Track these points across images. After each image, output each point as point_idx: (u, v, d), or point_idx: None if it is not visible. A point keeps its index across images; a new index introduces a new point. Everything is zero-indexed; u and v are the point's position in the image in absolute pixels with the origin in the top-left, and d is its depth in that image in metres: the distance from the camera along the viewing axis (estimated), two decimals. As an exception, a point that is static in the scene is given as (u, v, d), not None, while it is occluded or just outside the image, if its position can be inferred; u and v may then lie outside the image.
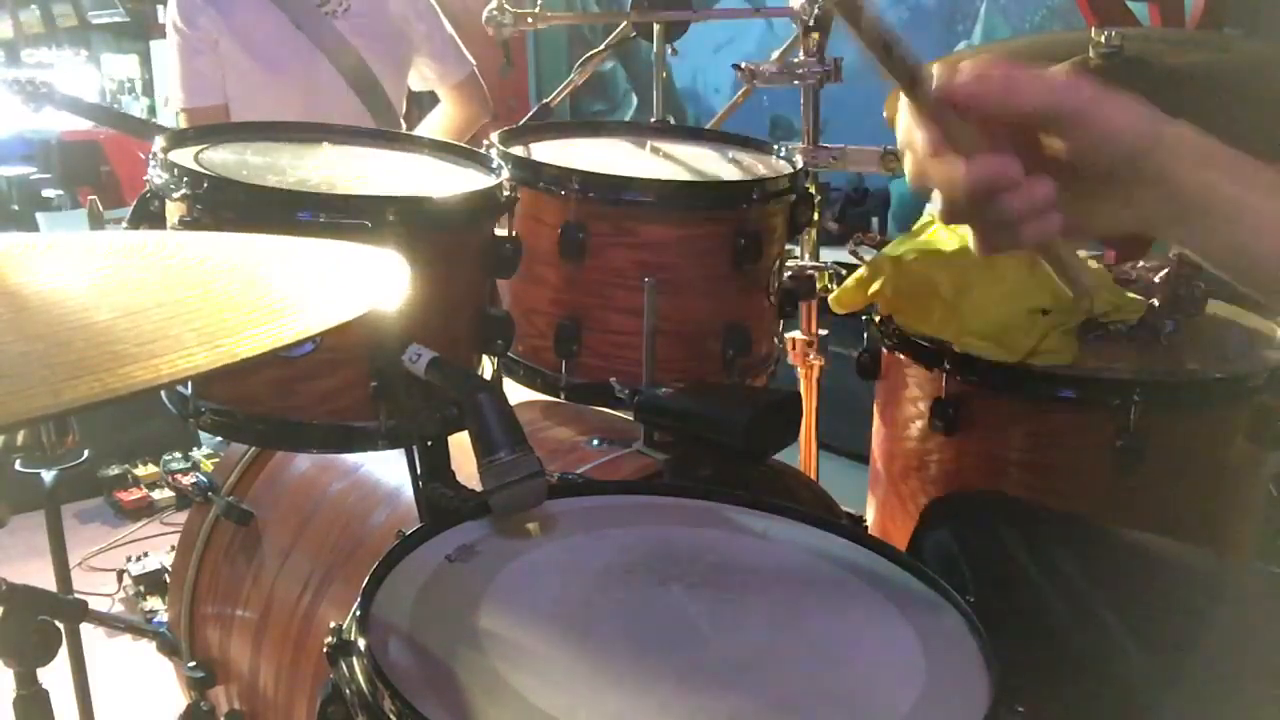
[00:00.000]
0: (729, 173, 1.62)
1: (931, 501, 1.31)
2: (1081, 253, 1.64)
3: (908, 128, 0.78)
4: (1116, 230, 0.79)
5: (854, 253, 1.75)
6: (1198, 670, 1.00)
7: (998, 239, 0.78)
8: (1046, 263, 0.83)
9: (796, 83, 1.83)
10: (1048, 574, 1.13)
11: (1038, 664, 0.84)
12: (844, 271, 1.73)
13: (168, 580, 2.15)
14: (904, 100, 0.77)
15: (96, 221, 3.01)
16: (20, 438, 1.72)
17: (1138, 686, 1.03)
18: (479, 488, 1.07)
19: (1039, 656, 0.85)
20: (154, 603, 2.82)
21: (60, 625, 1.12)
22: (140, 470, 3.52)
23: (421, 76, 2.72)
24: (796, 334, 1.88)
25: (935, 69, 0.76)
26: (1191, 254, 0.81)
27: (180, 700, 1.64)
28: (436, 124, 2.76)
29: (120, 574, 2.93)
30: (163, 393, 1.26)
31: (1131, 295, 1.59)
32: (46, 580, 1.54)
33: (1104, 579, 1.11)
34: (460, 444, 1.14)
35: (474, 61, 2.76)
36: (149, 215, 1.25)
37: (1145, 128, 0.77)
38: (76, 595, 1.46)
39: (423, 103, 2.85)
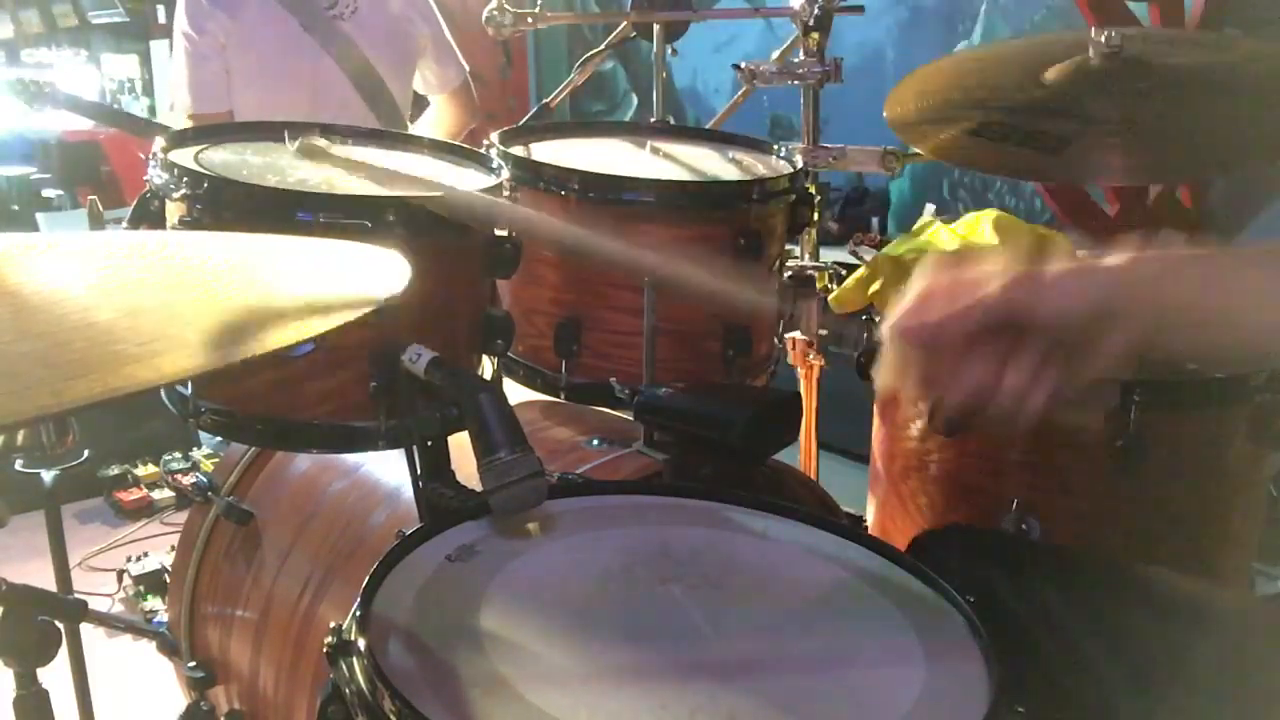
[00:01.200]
0: (729, 173, 1.62)
1: (916, 536, 1.32)
2: (1081, 252, 1.64)
3: (895, 371, 0.86)
4: (1111, 369, 0.83)
5: (854, 253, 1.75)
6: (1187, 703, 1.00)
7: (1009, 428, 0.84)
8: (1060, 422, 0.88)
9: (796, 83, 1.83)
10: (1034, 609, 1.13)
11: (1025, 699, 0.84)
12: (844, 271, 1.73)
13: (168, 580, 2.15)
14: (886, 350, 0.86)
15: (96, 221, 3.01)
16: (20, 438, 1.72)
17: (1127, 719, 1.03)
18: (479, 488, 1.07)
19: (1026, 692, 0.85)
20: (154, 603, 2.82)
21: (60, 625, 1.12)
22: (140, 470, 3.52)
23: (422, 79, 2.72)
24: (796, 334, 1.88)
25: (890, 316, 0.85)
26: (1196, 356, 0.87)
27: (180, 700, 1.64)
28: (427, 129, 2.76)
29: (120, 574, 2.93)
30: (163, 393, 1.26)
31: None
32: (46, 580, 1.54)
33: (1092, 613, 1.11)
34: (460, 444, 1.14)
35: (468, 67, 2.77)
36: (149, 215, 1.25)
37: (1096, 293, 0.81)
38: (76, 595, 1.46)
39: (423, 106, 2.86)
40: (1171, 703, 1.00)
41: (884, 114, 1.66)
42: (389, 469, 1.44)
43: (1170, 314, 0.81)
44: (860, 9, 1.93)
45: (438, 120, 2.78)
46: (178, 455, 3.57)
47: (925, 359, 0.84)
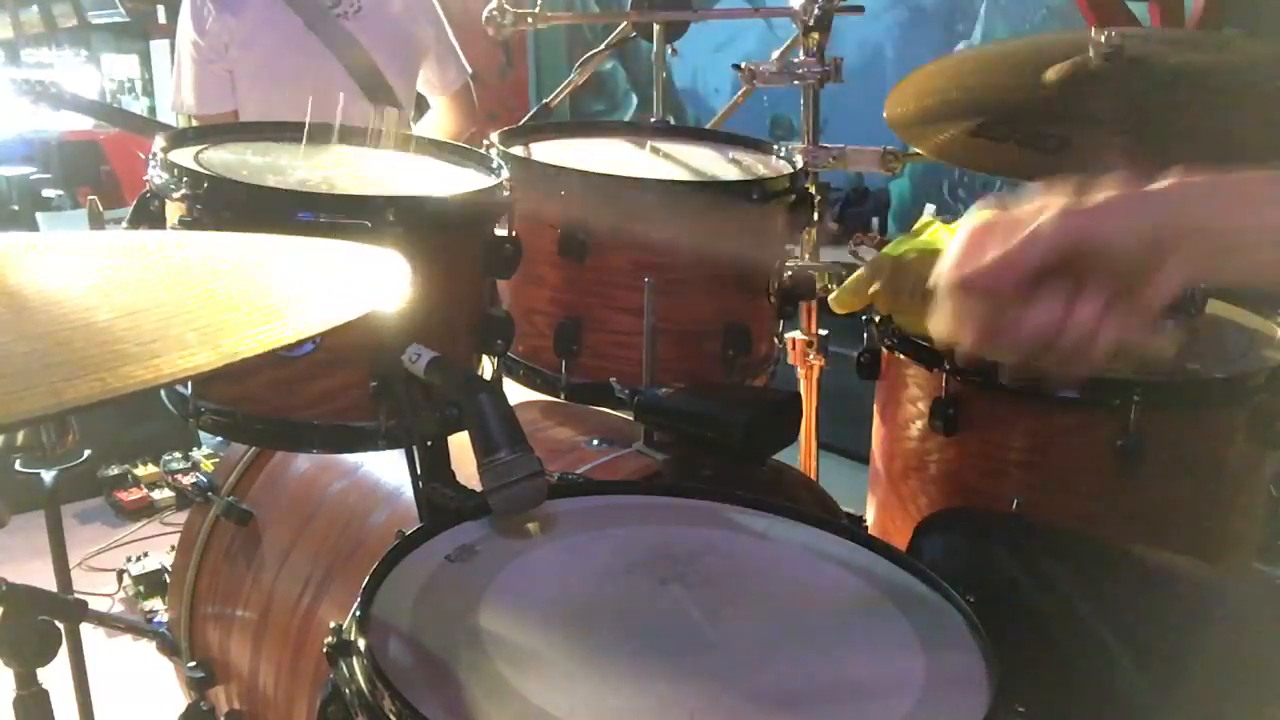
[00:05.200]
0: (729, 173, 1.62)
1: (924, 519, 1.31)
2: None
3: (953, 323, 0.83)
4: (1175, 297, 0.81)
5: (854, 253, 1.75)
6: (1193, 685, 1.00)
7: (1078, 365, 0.81)
8: (1129, 356, 0.86)
9: (796, 83, 1.83)
10: (1042, 589, 1.13)
11: (1032, 680, 0.84)
12: (844, 271, 1.73)
13: (168, 580, 2.15)
14: (942, 302, 0.83)
15: (96, 221, 3.01)
16: (20, 438, 1.72)
17: (1133, 701, 1.03)
18: (479, 488, 1.07)
19: (1033, 672, 0.85)
20: (154, 603, 2.82)
21: (60, 625, 1.12)
22: (140, 470, 3.52)
23: (424, 79, 2.72)
24: (796, 334, 1.88)
25: (940, 266, 0.82)
26: (1263, 286, 0.85)
27: (180, 700, 1.64)
28: (428, 132, 2.76)
29: (120, 574, 2.93)
30: (163, 393, 1.26)
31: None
32: (46, 580, 1.54)
33: (1099, 594, 1.11)
34: (460, 444, 1.14)
35: (471, 70, 2.76)
36: (149, 215, 1.25)
37: (1150, 214, 0.79)
38: (76, 595, 1.46)
39: (423, 107, 2.86)
40: (1176, 679, 1.00)
41: (884, 114, 1.66)
42: (389, 469, 1.44)
43: (1227, 235, 0.79)
44: (860, 9, 1.93)
45: (438, 124, 2.78)
46: (178, 455, 3.57)
47: (985, 306, 0.81)
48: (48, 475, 1.75)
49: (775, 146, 1.70)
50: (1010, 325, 0.80)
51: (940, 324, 0.84)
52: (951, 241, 0.84)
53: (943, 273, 0.83)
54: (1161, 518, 1.43)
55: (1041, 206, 0.80)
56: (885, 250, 1.66)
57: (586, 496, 1.17)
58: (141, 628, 2.19)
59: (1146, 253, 0.78)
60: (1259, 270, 0.83)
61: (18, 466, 1.75)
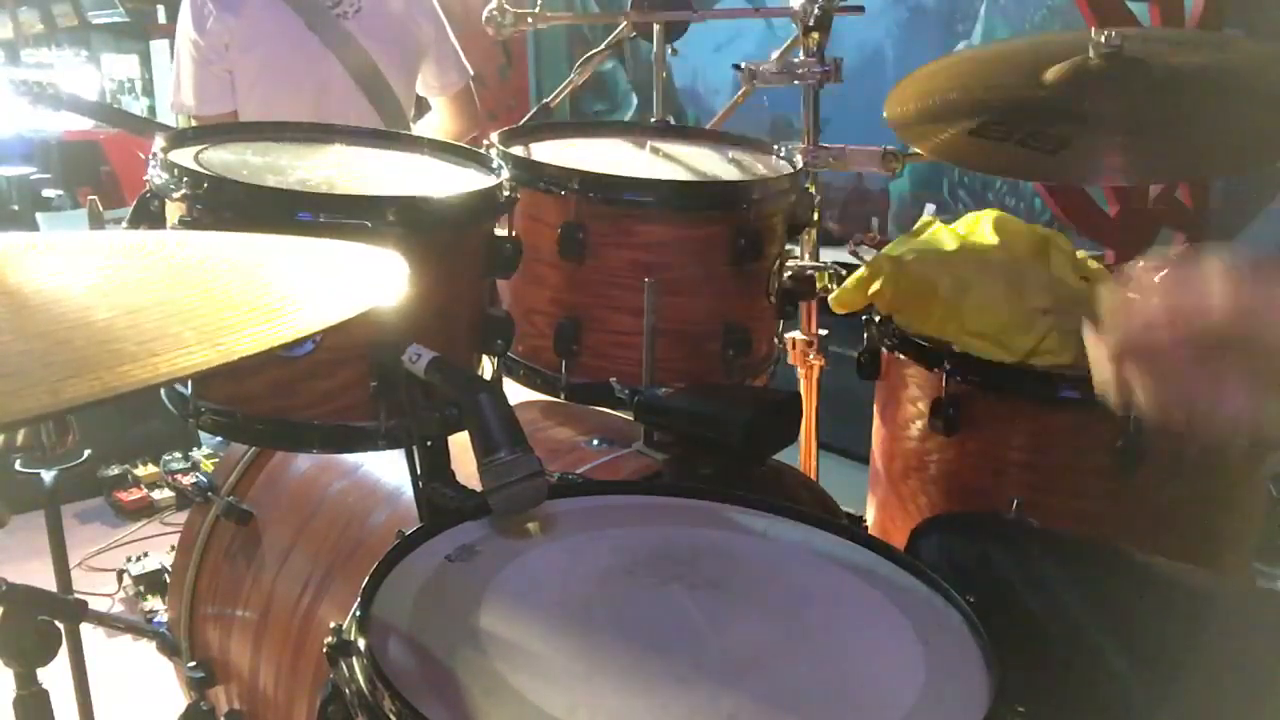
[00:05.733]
0: (729, 173, 1.62)
1: (921, 522, 1.32)
2: (1081, 252, 1.64)
3: (1118, 390, 0.88)
4: None
5: (854, 253, 1.75)
6: (1190, 689, 1.00)
7: (1228, 443, 0.89)
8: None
9: (796, 83, 1.83)
10: (1038, 593, 1.13)
11: (1031, 681, 0.85)
12: (844, 271, 1.73)
13: (168, 580, 2.15)
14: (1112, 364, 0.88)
15: (96, 221, 3.01)
16: (20, 438, 1.72)
17: (1130, 706, 1.03)
18: (479, 488, 1.07)
19: (1030, 676, 0.86)
20: (154, 603, 2.82)
21: (60, 625, 1.12)
22: (140, 470, 3.52)
23: (423, 80, 2.72)
24: (796, 334, 1.88)
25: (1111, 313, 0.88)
26: None
27: (180, 700, 1.64)
28: (428, 131, 2.75)
29: (120, 574, 2.93)
30: (162, 393, 1.26)
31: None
32: (46, 580, 1.54)
33: (1096, 597, 1.11)
34: (460, 444, 1.14)
35: (472, 72, 2.76)
36: (149, 215, 1.25)
37: None
38: (76, 595, 1.46)
39: (423, 108, 2.85)
40: (1172, 681, 1.01)
41: (884, 114, 1.66)
42: (389, 469, 1.44)
43: None
44: (860, 9, 1.93)
45: (439, 126, 2.78)
46: (178, 455, 3.57)
47: (1153, 374, 0.86)
48: (48, 475, 1.75)
49: (775, 146, 1.69)
50: (1172, 394, 0.85)
51: (1105, 380, 0.89)
52: (1117, 294, 0.90)
53: (1120, 336, 0.88)
54: (1161, 518, 1.43)
55: (1217, 287, 0.84)
56: (885, 250, 1.66)
57: (586, 496, 1.17)
58: (141, 628, 2.19)
59: None
60: None
61: (18, 466, 1.75)
